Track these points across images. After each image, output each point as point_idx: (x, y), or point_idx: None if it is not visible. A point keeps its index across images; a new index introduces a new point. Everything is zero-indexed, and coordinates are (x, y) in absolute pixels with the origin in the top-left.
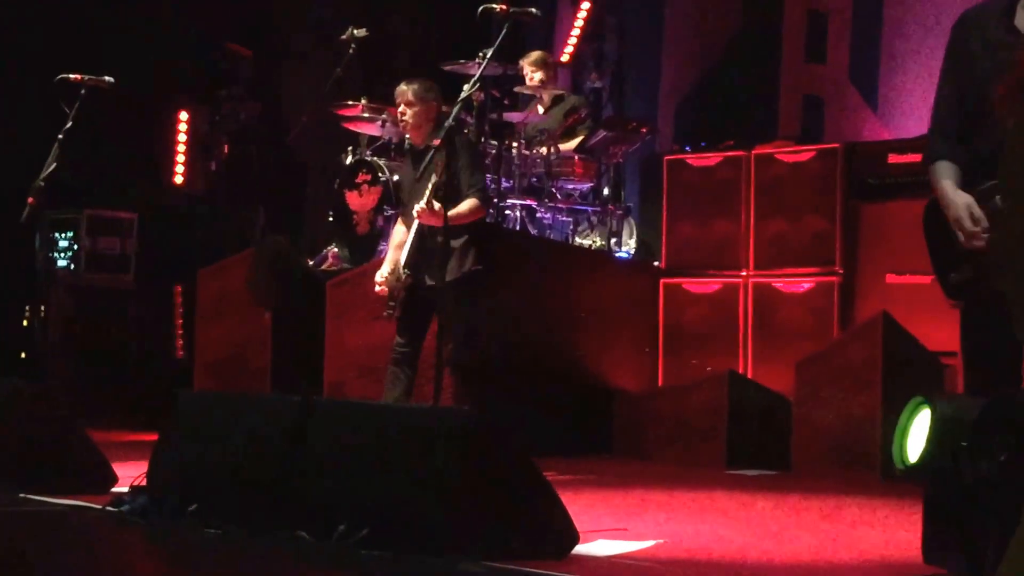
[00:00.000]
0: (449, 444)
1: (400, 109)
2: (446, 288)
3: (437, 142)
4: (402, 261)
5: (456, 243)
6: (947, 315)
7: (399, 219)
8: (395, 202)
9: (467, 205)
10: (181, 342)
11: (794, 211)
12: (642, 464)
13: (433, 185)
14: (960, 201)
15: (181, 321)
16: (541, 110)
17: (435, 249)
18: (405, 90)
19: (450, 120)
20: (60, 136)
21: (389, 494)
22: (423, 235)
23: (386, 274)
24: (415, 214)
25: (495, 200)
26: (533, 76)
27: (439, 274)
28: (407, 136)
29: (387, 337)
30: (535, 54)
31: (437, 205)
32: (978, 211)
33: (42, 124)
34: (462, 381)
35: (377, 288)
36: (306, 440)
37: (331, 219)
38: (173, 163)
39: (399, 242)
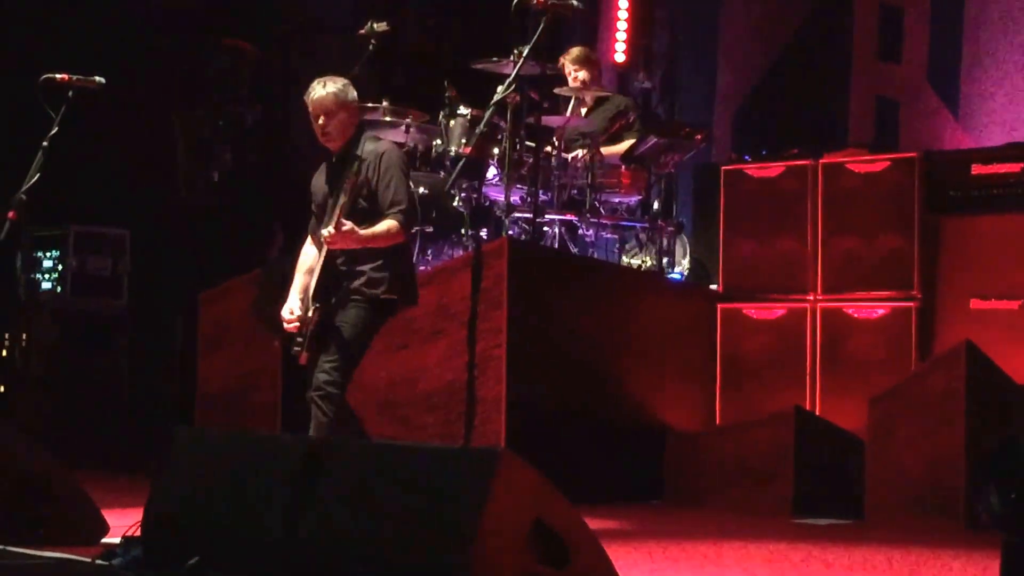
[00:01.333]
0: (481, 488)
1: (320, 121)
2: (345, 308)
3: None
4: (311, 291)
5: (366, 267)
6: None
7: (308, 239)
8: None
9: (383, 226)
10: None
11: (867, 227)
12: (696, 512)
13: (342, 205)
14: None
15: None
16: (584, 113)
17: (342, 274)
18: (323, 96)
19: (481, 126)
20: (44, 143)
21: (407, 544)
22: (333, 259)
23: (296, 305)
24: (322, 238)
25: (533, 218)
26: (576, 75)
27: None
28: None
29: (411, 369)
30: (576, 50)
31: (348, 225)
32: None
33: (24, 129)
34: (321, 411)
35: (286, 324)
36: (318, 483)
37: None
38: (171, 173)
39: (308, 267)
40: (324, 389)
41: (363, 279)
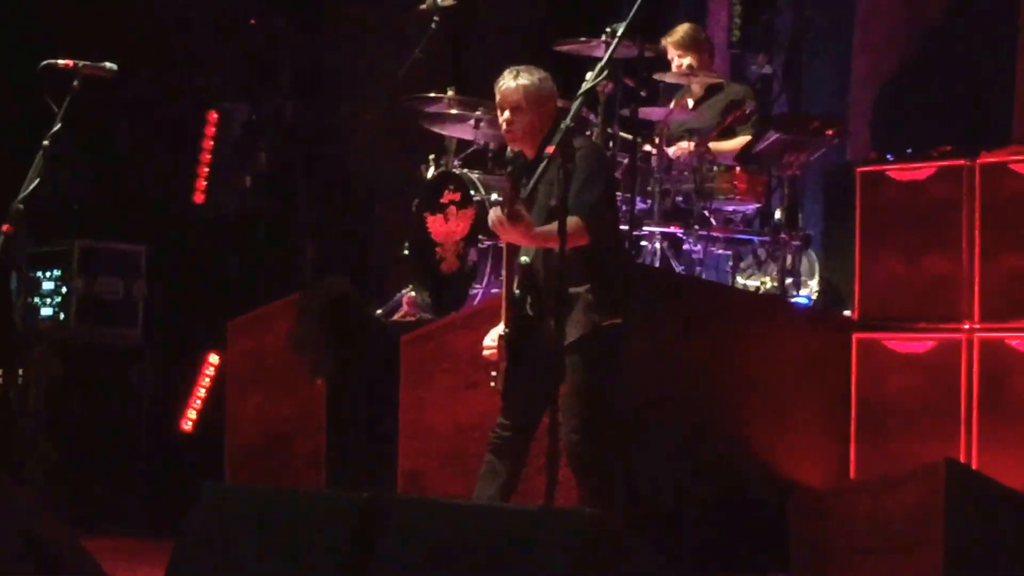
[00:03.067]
0: (562, 557)
1: (505, 115)
2: (566, 350)
3: (551, 150)
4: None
5: (578, 289)
6: None
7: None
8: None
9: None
10: (195, 415)
11: None
12: None
13: (524, 189)
14: None
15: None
16: (691, 104)
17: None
18: (514, 89)
19: (567, 120)
20: (45, 142)
21: None
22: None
23: (503, 331)
24: (490, 223)
25: (629, 229)
26: (680, 60)
27: (556, 332)
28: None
29: (483, 413)
30: (681, 30)
31: (525, 216)
32: None
33: (22, 126)
34: (583, 474)
35: (486, 351)
36: (374, 551)
37: (406, 253)
38: (196, 177)
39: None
40: (575, 455)
41: (576, 307)
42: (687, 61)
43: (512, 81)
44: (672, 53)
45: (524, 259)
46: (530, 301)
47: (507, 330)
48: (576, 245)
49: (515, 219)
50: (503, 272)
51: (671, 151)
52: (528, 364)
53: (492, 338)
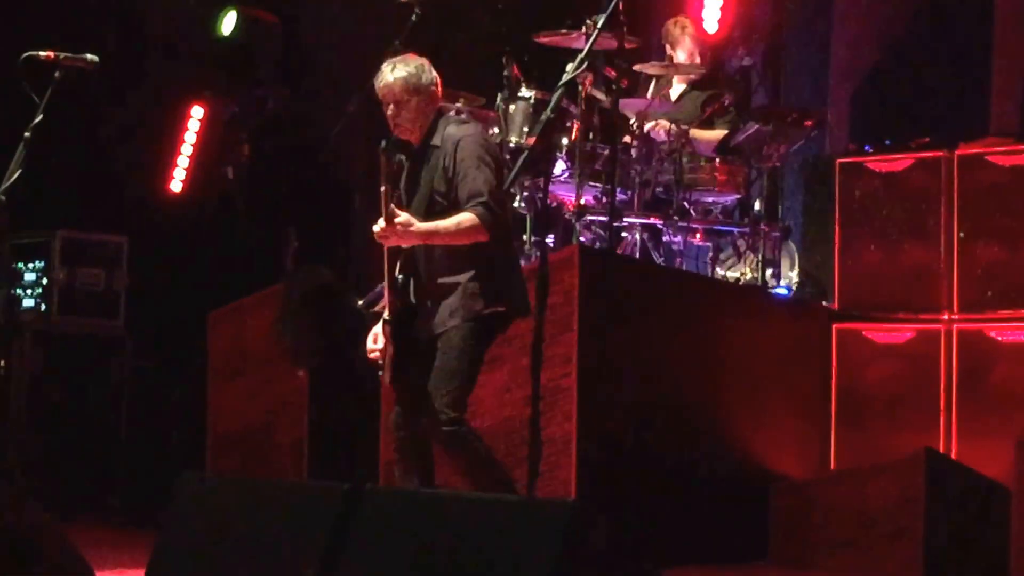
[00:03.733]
0: (545, 547)
1: (389, 111)
2: (442, 336)
3: (531, 141)
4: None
5: (459, 278)
6: None
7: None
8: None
9: (453, 219)
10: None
11: (1012, 232)
12: (806, 574)
13: (392, 196)
14: None
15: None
16: (674, 96)
17: (429, 288)
18: (392, 82)
19: (548, 111)
20: (26, 133)
21: None
22: (412, 268)
23: (386, 318)
24: (375, 233)
25: (609, 220)
26: (687, 47)
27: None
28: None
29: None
30: (689, 23)
31: (402, 216)
32: None
33: (1, 117)
34: (456, 450)
35: (371, 353)
36: (355, 541)
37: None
38: (174, 170)
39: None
40: (444, 432)
41: (454, 295)
42: (689, 48)
43: (390, 75)
44: (688, 44)
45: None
46: (412, 287)
47: (390, 318)
48: (475, 241)
49: (391, 221)
50: (386, 259)
51: (648, 126)
52: (412, 351)
53: (374, 341)
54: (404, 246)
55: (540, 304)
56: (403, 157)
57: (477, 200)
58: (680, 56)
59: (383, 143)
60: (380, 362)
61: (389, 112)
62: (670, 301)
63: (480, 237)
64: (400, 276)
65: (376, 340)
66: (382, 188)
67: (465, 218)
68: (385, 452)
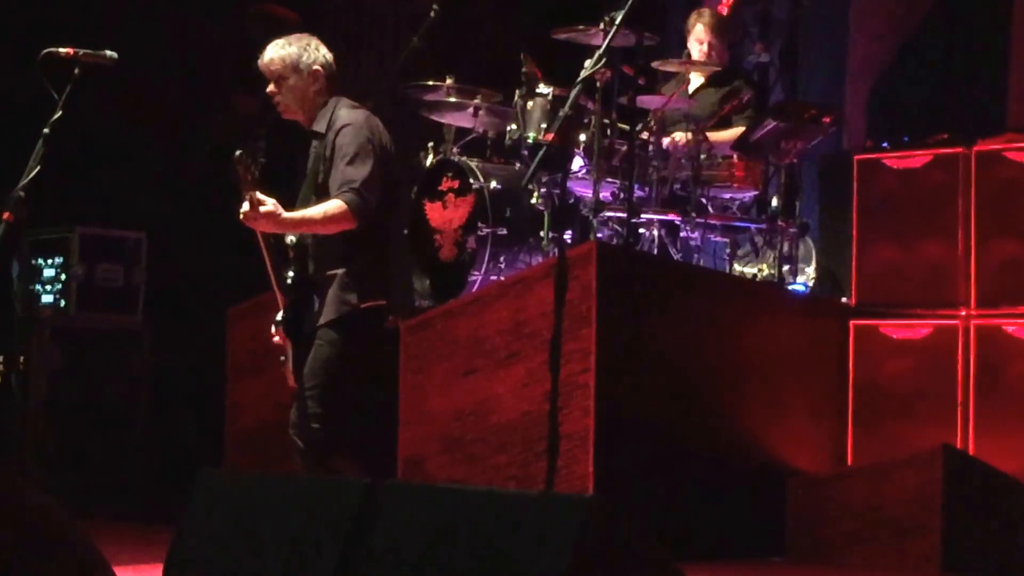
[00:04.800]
0: (562, 542)
1: (270, 88)
2: (318, 330)
3: (550, 137)
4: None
5: (336, 271)
6: None
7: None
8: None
9: (320, 207)
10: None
11: None
12: (823, 570)
13: (249, 181)
14: None
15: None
16: (690, 92)
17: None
18: (268, 60)
19: (566, 108)
20: (45, 130)
21: None
22: (301, 260)
23: (280, 316)
24: (240, 216)
25: (628, 217)
26: (704, 39)
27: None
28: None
29: (481, 399)
30: (712, 12)
31: (268, 204)
32: None
33: (22, 114)
34: (309, 450)
35: (275, 339)
36: (374, 536)
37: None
38: (193, 166)
39: None
40: (309, 428)
41: (330, 289)
42: (709, 40)
43: (270, 51)
44: (700, 33)
45: (291, 239)
46: (295, 281)
47: (284, 315)
48: (342, 229)
49: (255, 207)
50: (265, 257)
51: (665, 142)
52: (306, 345)
53: (274, 326)
54: (270, 232)
55: (558, 300)
56: (263, 160)
57: (348, 186)
58: (693, 47)
59: (237, 153)
60: (282, 358)
61: (269, 89)
62: (688, 297)
63: (347, 225)
64: (292, 272)
65: (272, 338)
66: (243, 175)
67: (332, 205)
68: (403, 447)
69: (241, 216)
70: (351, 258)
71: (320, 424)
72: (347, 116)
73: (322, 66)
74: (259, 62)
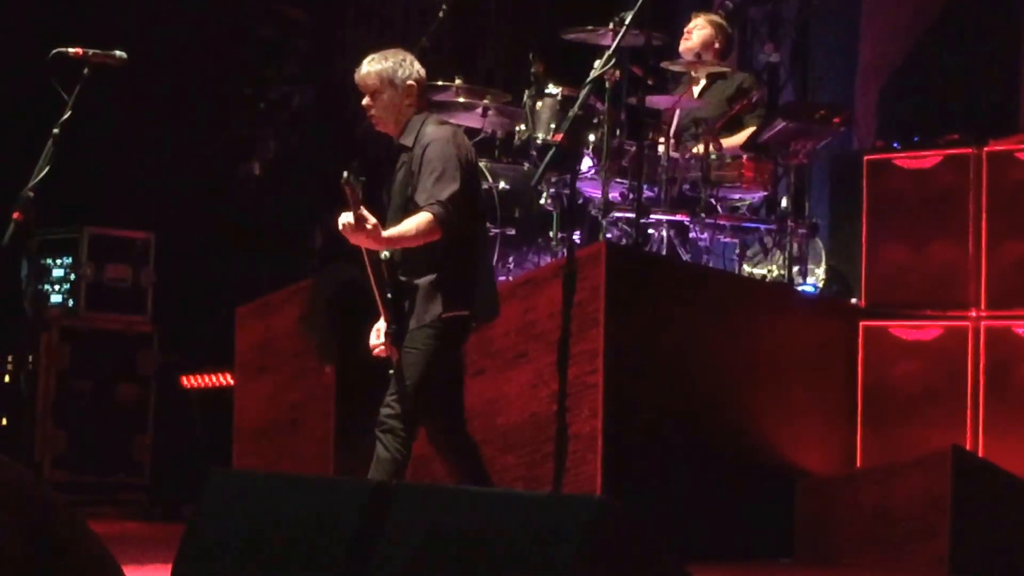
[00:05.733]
0: (572, 544)
1: (365, 100)
2: (407, 339)
3: (558, 138)
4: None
5: (419, 281)
6: None
7: None
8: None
9: (412, 221)
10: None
11: None
12: (832, 572)
13: (355, 190)
14: None
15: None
16: (696, 92)
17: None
18: (366, 74)
19: (575, 108)
20: (55, 130)
21: None
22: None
23: (386, 327)
24: (340, 228)
25: (637, 218)
26: (701, 34)
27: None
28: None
29: (488, 399)
30: (710, 14)
31: (371, 221)
32: None
33: (31, 114)
34: (380, 443)
35: (375, 350)
36: (381, 537)
37: None
38: (202, 166)
39: None
40: (385, 423)
41: (418, 299)
42: (703, 34)
43: (367, 66)
44: (694, 24)
45: (384, 254)
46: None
47: (388, 328)
48: (429, 241)
49: (361, 224)
50: (369, 271)
51: (676, 155)
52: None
53: (377, 336)
54: (383, 253)
55: (567, 301)
56: (364, 179)
57: (436, 199)
58: (687, 48)
59: (344, 175)
60: (390, 372)
61: (364, 102)
62: (697, 298)
63: (433, 236)
64: (390, 288)
65: (379, 336)
66: (351, 191)
67: (421, 219)
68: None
69: (342, 229)
70: (436, 268)
71: (397, 418)
72: (434, 132)
73: (416, 81)
74: (356, 76)
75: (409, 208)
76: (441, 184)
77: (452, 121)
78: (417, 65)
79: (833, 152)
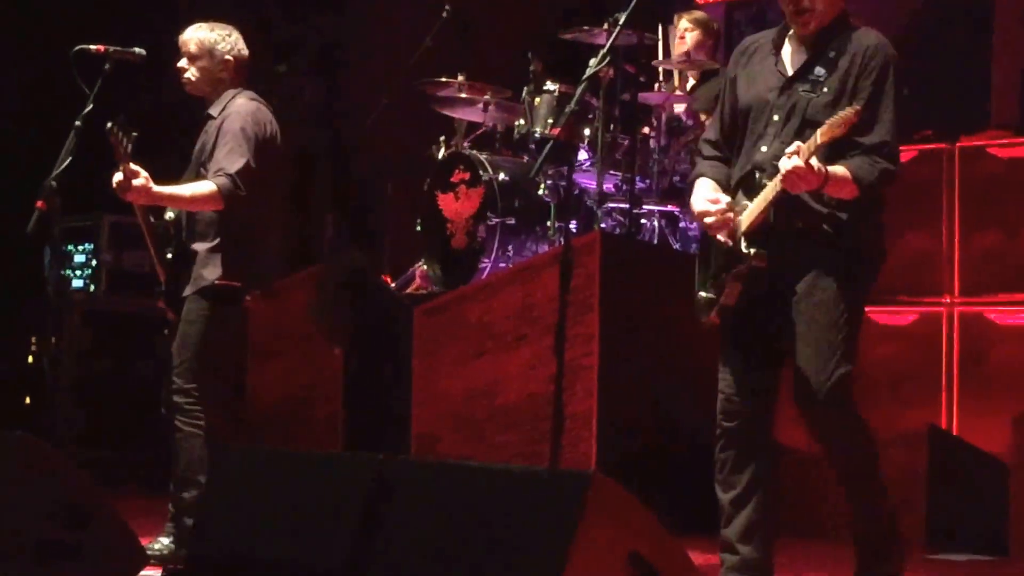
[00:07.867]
0: (568, 518)
1: (181, 63)
2: (178, 303)
3: (556, 131)
4: None
5: (200, 247)
6: None
7: None
8: None
9: (192, 186)
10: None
11: (1011, 221)
12: (814, 544)
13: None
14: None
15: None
16: (689, 87)
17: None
18: (188, 38)
19: (572, 104)
20: (77, 123)
21: None
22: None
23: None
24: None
25: (630, 208)
26: (687, 36)
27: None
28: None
29: (489, 380)
30: (699, 11)
31: (142, 175)
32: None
33: (55, 108)
34: (179, 416)
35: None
36: (388, 510)
37: (419, 229)
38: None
39: None
40: (176, 403)
41: (195, 264)
42: (694, 35)
43: (191, 32)
44: (684, 27)
45: (170, 214)
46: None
47: (165, 287)
48: (208, 209)
49: (128, 178)
50: (144, 230)
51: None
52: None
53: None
54: (141, 203)
55: (564, 287)
56: (135, 133)
57: (223, 172)
58: (676, 45)
59: (109, 125)
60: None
61: (180, 64)
62: (686, 284)
63: (213, 205)
64: (171, 250)
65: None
66: (119, 145)
67: (203, 186)
68: (416, 426)
69: (114, 186)
70: (217, 236)
71: (186, 390)
72: (239, 106)
73: (234, 57)
74: (179, 37)
75: (200, 175)
76: (232, 157)
77: (455, 115)
78: (241, 44)
79: None
